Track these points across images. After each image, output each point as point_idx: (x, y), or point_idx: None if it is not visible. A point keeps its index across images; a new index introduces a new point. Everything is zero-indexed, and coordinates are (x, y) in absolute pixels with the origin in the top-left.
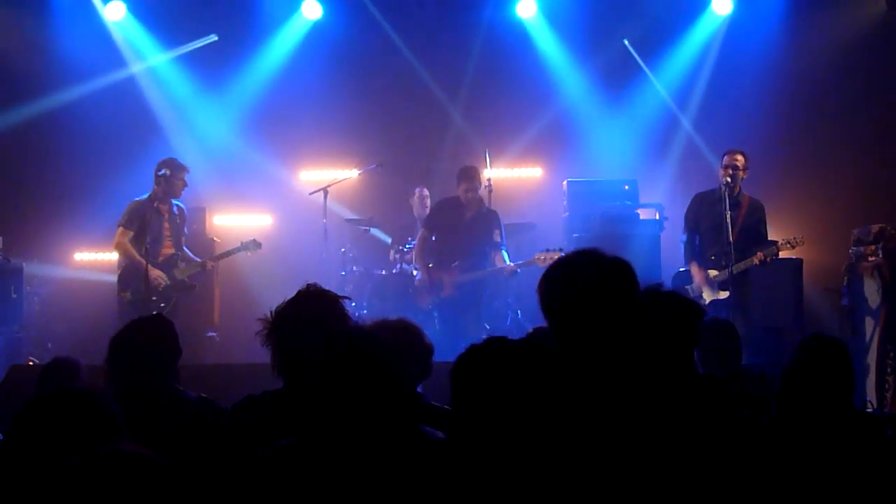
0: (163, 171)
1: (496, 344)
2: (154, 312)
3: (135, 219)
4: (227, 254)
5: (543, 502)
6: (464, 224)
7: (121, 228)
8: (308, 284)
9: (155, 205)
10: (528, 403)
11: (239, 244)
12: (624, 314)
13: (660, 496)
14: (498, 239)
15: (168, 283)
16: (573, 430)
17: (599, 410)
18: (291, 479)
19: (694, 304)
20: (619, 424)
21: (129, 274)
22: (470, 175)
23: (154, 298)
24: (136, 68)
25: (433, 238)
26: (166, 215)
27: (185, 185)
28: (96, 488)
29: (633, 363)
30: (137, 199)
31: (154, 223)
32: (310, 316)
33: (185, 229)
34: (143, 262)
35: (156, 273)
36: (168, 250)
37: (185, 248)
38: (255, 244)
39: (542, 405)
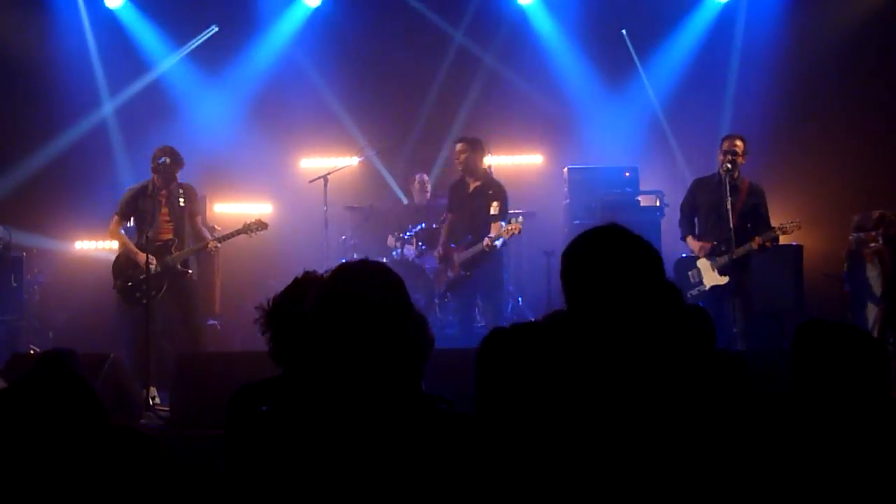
0: (162, 160)
1: (519, 328)
2: (143, 301)
3: (127, 207)
4: (231, 235)
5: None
6: (467, 199)
7: (115, 216)
8: (305, 272)
9: (150, 191)
10: (553, 386)
11: (242, 225)
12: (656, 296)
13: (680, 479)
14: (495, 212)
15: (158, 269)
16: (602, 412)
17: (626, 390)
18: (292, 443)
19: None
20: (646, 403)
21: (119, 262)
22: (459, 141)
23: (145, 287)
24: (136, 57)
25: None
26: (163, 200)
27: (175, 179)
28: (102, 462)
29: (657, 343)
30: (132, 186)
31: (148, 209)
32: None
33: (199, 207)
34: (133, 248)
35: (144, 258)
36: (165, 236)
37: (202, 227)
38: (259, 224)
39: (567, 386)
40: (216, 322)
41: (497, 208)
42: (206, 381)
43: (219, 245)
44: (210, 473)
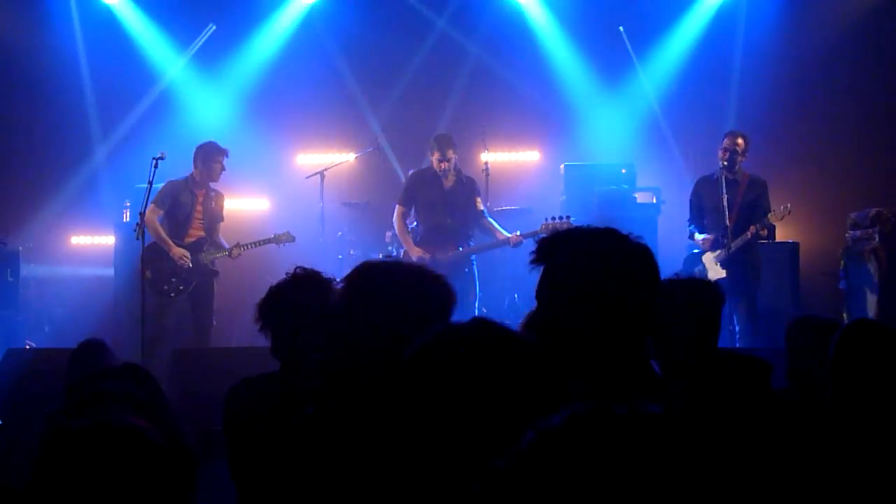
0: (202, 155)
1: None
2: (171, 294)
3: (166, 198)
4: (257, 243)
5: None
6: (444, 196)
7: (152, 205)
8: (297, 268)
9: (190, 187)
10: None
11: (272, 235)
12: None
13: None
14: (481, 207)
15: (191, 265)
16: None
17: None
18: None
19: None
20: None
21: (152, 253)
22: (440, 143)
23: (173, 279)
24: (133, 53)
25: (412, 214)
26: (201, 198)
27: (223, 168)
28: (83, 460)
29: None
30: (174, 179)
31: (186, 204)
32: (301, 299)
33: (223, 215)
34: (168, 241)
35: (180, 252)
36: (197, 232)
37: (220, 235)
38: (287, 237)
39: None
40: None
41: (481, 203)
42: (203, 376)
43: (241, 253)
44: (205, 469)
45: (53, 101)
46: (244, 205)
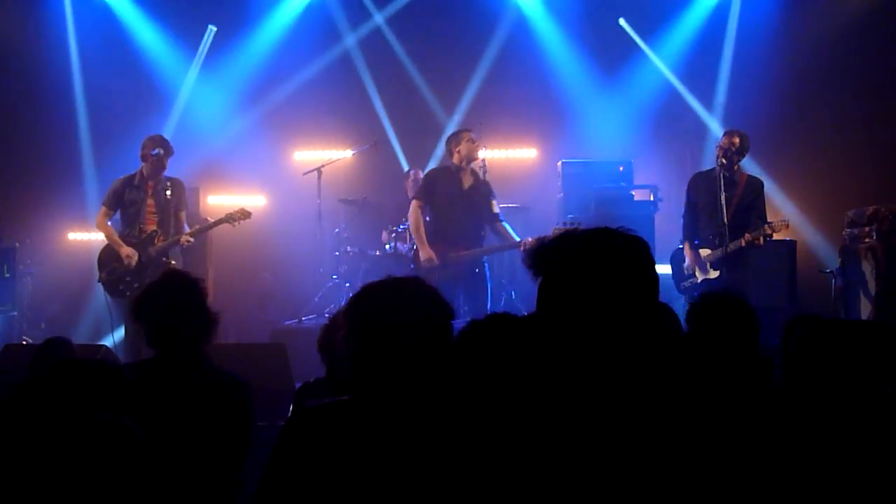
0: (156, 152)
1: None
2: (126, 293)
3: (114, 197)
4: (206, 228)
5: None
6: (463, 195)
7: (102, 207)
8: (171, 270)
9: (136, 182)
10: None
11: (224, 215)
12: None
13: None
14: (497, 210)
15: (141, 260)
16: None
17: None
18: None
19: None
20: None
21: (105, 254)
22: (458, 138)
23: (128, 278)
24: (131, 47)
25: (428, 211)
26: (150, 192)
27: (170, 154)
28: (71, 454)
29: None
30: (119, 177)
31: (134, 200)
32: (173, 297)
33: (184, 202)
34: (116, 240)
35: (126, 251)
36: (149, 227)
37: (185, 223)
38: (242, 213)
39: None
40: None
41: (497, 206)
42: None
43: (191, 240)
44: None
45: (50, 97)
46: (241, 201)
